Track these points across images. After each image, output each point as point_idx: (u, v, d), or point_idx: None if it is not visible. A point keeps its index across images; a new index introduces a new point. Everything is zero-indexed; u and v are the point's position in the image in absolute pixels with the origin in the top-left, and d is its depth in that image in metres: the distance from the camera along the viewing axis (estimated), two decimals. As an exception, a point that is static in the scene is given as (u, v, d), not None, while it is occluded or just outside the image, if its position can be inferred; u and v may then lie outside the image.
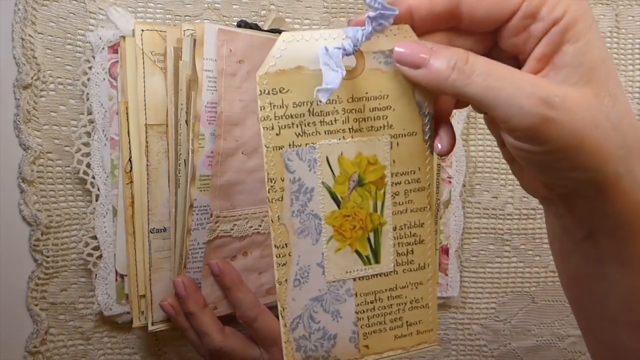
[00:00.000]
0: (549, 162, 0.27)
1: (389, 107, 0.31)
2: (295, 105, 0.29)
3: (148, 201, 0.47)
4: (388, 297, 0.34)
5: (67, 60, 0.50)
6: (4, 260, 0.50)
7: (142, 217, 0.47)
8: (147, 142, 0.46)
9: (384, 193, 0.32)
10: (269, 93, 0.29)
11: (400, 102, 0.31)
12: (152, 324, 0.48)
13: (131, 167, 0.47)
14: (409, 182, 0.33)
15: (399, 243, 0.33)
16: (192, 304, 0.46)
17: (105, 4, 0.50)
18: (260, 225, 0.48)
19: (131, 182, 0.47)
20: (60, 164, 0.51)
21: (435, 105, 0.31)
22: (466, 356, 0.59)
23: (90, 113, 0.50)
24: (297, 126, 0.30)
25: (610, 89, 0.26)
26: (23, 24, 0.48)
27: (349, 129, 0.30)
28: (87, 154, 0.50)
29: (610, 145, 0.26)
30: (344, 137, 0.30)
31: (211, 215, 0.45)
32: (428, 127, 0.31)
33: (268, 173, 0.30)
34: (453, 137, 0.31)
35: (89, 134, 0.50)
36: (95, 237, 0.51)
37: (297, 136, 0.30)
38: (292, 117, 0.30)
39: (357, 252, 0.32)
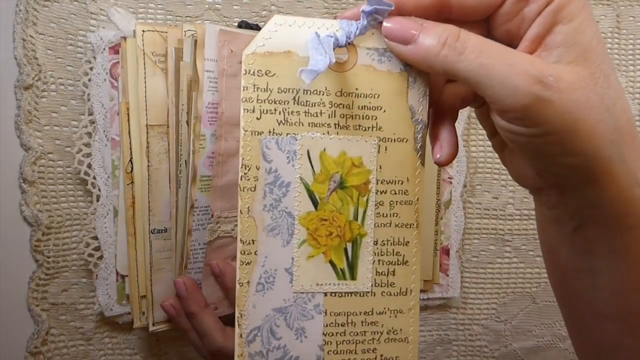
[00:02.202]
0: (542, 146, 0.26)
1: (379, 108, 0.29)
2: (280, 91, 0.28)
3: (149, 202, 0.47)
4: (362, 322, 0.30)
5: (68, 60, 0.50)
6: (5, 261, 0.50)
7: (143, 217, 0.47)
8: (148, 142, 0.46)
9: (367, 201, 0.29)
10: (254, 74, 0.28)
11: (392, 104, 0.29)
12: (153, 324, 0.48)
13: (132, 168, 0.47)
14: (395, 193, 0.30)
15: (379, 260, 0.30)
16: (193, 304, 0.46)
17: (106, 4, 0.50)
18: None
19: (132, 182, 0.47)
20: (61, 164, 0.51)
21: (439, 103, 0.30)
22: (467, 357, 0.59)
23: (91, 114, 0.50)
24: (279, 113, 0.28)
25: (605, 70, 0.25)
26: (24, 25, 0.48)
27: (335, 124, 0.28)
28: (88, 155, 0.50)
29: (604, 128, 0.25)
30: (328, 132, 0.28)
31: (212, 215, 0.45)
32: (420, 135, 0.29)
33: (243, 159, 0.28)
34: (455, 146, 0.29)
35: (90, 134, 0.50)
36: (96, 238, 0.51)
37: (279, 124, 0.28)
38: (275, 102, 0.28)
39: (331, 262, 0.29)
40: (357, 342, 0.30)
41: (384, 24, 0.27)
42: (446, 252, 0.56)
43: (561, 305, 0.34)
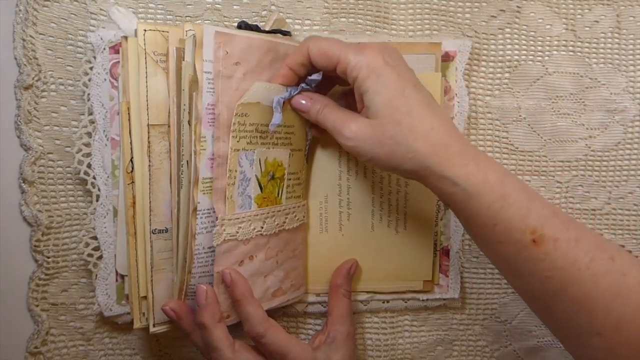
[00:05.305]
0: (376, 165, 0.44)
1: (293, 133, 0.48)
2: (250, 125, 0.45)
3: (150, 202, 0.46)
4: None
5: (68, 60, 0.50)
6: (5, 261, 0.50)
7: (143, 217, 0.47)
8: (149, 142, 0.46)
9: (283, 185, 0.49)
10: (240, 115, 0.44)
11: (298, 130, 0.49)
12: (154, 325, 0.47)
13: (132, 168, 0.47)
14: (295, 179, 0.50)
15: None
16: (207, 315, 0.44)
17: (107, 4, 0.50)
18: (262, 227, 0.47)
19: (132, 182, 0.47)
20: (61, 164, 0.51)
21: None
22: (468, 357, 0.59)
23: (91, 113, 0.50)
24: (248, 138, 0.45)
25: (394, 118, 0.41)
26: (24, 25, 0.48)
27: (272, 143, 0.47)
28: (88, 155, 0.50)
29: (398, 153, 0.41)
30: (268, 148, 0.47)
31: (216, 218, 0.44)
32: (307, 146, 0.51)
33: (230, 166, 0.44)
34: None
35: (89, 134, 0.50)
36: (95, 238, 0.51)
37: (247, 144, 0.45)
38: (247, 132, 0.45)
39: None
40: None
41: (298, 99, 0.47)
42: (446, 253, 0.56)
43: None
